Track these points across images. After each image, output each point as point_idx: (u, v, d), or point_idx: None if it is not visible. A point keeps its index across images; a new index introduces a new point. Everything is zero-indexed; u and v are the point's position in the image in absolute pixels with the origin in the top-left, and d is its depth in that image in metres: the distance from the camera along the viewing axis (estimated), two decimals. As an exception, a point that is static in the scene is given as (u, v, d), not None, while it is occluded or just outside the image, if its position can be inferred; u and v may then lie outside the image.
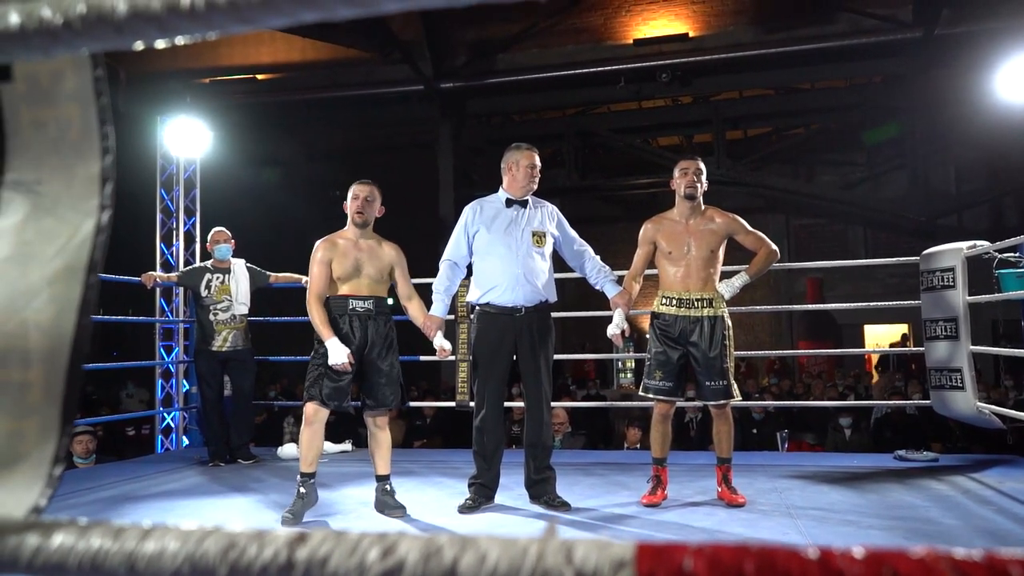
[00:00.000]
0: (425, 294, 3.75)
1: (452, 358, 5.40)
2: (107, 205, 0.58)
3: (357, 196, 3.57)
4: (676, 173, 3.64)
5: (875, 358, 13.09)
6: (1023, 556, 0.35)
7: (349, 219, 3.60)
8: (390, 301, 3.71)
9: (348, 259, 3.51)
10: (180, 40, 0.39)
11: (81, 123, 0.57)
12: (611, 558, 0.35)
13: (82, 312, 0.58)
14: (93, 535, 0.38)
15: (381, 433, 3.61)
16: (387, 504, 3.53)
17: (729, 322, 3.62)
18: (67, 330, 0.57)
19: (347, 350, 3.38)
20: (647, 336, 3.71)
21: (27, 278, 0.58)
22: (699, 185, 3.59)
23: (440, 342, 3.59)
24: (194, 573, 0.35)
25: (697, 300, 3.55)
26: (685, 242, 3.58)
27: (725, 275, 3.72)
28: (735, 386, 3.58)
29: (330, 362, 3.37)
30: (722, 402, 3.56)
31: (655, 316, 3.64)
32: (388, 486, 3.58)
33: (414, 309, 3.66)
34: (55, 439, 0.57)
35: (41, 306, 0.58)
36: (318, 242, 3.57)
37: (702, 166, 3.64)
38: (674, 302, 3.58)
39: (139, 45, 0.39)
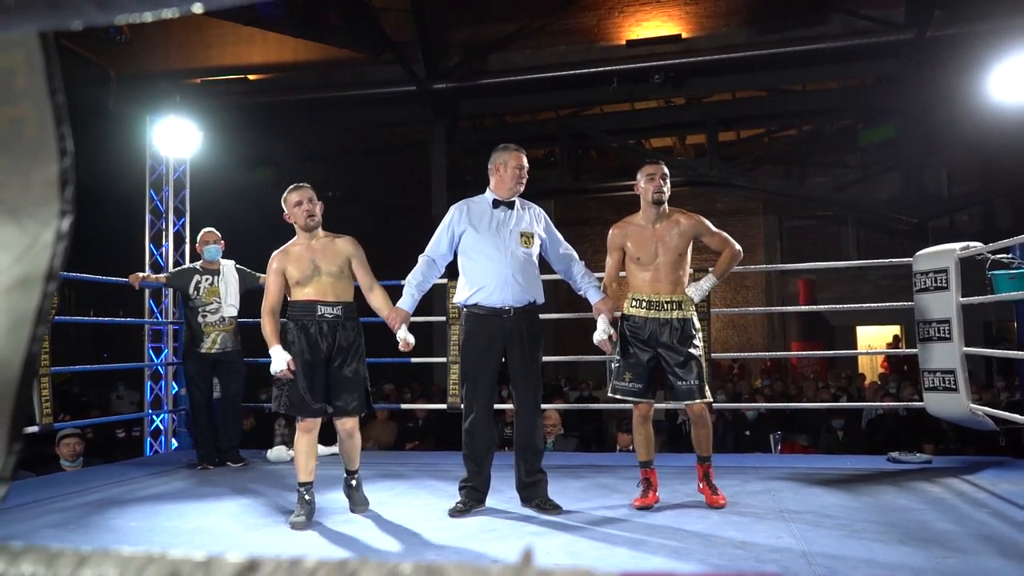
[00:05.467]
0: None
1: (443, 360, 5.39)
2: (67, 210, 0.55)
3: (301, 202, 3.54)
4: (642, 179, 3.62)
5: (876, 359, 13.09)
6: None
7: (300, 228, 3.57)
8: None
9: (303, 262, 3.50)
10: (121, 20, 0.36)
11: (36, 123, 0.53)
12: (591, 589, 0.32)
13: (37, 323, 0.54)
14: (25, 561, 0.35)
15: (349, 440, 3.62)
16: (353, 498, 3.61)
17: (698, 323, 3.62)
18: (21, 342, 0.54)
19: (288, 357, 3.40)
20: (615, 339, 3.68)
21: None
22: (665, 190, 3.59)
23: (403, 335, 3.53)
24: (133, 604, 0.32)
25: (667, 302, 3.54)
26: (653, 246, 3.57)
27: (693, 277, 3.72)
28: (707, 387, 3.57)
29: (271, 369, 3.42)
30: (697, 401, 3.53)
31: (624, 318, 3.64)
32: (355, 480, 3.64)
33: (377, 299, 3.64)
34: (1, 458, 0.53)
35: None
36: (273, 255, 3.57)
37: (666, 170, 3.65)
38: (644, 304, 3.57)
39: (77, 24, 0.36)
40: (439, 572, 0.33)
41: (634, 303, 3.60)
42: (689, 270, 3.67)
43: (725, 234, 3.69)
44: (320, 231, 3.60)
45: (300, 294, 3.51)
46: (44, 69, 0.49)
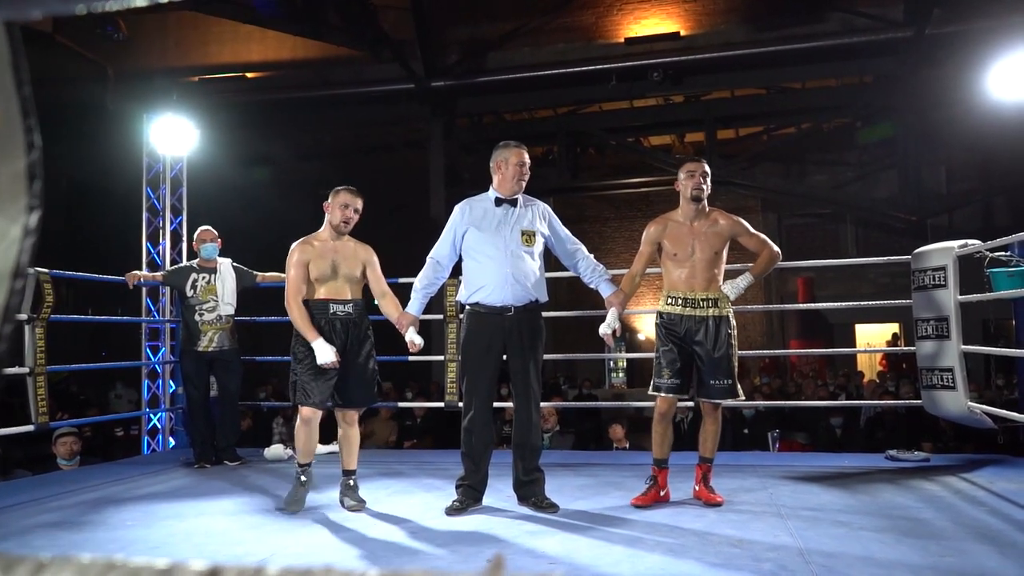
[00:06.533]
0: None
1: (442, 358, 5.39)
2: (35, 205, 0.54)
3: (347, 205, 3.65)
4: (682, 175, 3.62)
5: (875, 357, 13.10)
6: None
7: (329, 223, 3.69)
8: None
9: (325, 260, 3.62)
10: (81, 9, 0.34)
11: (2, 117, 0.52)
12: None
13: (4, 320, 0.53)
14: (-17, 567, 0.34)
15: (351, 430, 3.73)
16: (349, 498, 3.63)
17: (734, 322, 3.61)
18: None
19: (333, 348, 3.51)
20: (653, 336, 3.69)
21: None
22: (705, 187, 3.58)
23: (412, 336, 3.63)
24: (92, 611, 0.32)
25: (702, 300, 3.54)
26: (690, 244, 3.57)
27: (728, 275, 3.71)
28: (739, 386, 3.57)
29: (319, 362, 3.49)
30: (728, 401, 3.55)
31: (660, 315, 3.63)
32: (352, 481, 3.69)
33: (388, 305, 3.75)
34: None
35: None
36: (294, 244, 3.68)
37: (707, 168, 3.64)
38: (679, 302, 3.57)
39: (37, 14, 0.35)
40: (407, 579, 0.32)
41: (670, 300, 3.60)
42: (725, 268, 3.67)
43: (764, 236, 3.71)
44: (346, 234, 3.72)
45: (314, 292, 3.63)
46: (10, 61, 0.48)
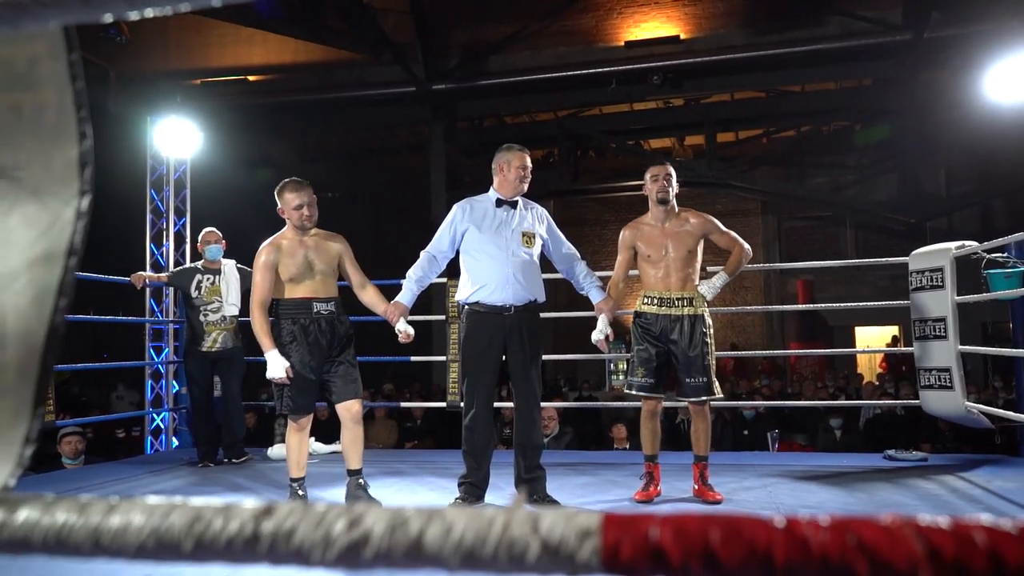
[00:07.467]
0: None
1: (443, 359, 5.43)
2: (87, 190, 0.58)
3: (300, 205, 3.50)
4: (647, 179, 3.71)
5: (874, 359, 13.13)
6: (987, 522, 0.35)
7: (292, 225, 3.55)
8: None
9: (296, 258, 3.49)
10: (149, 13, 0.39)
11: (57, 107, 0.57)
12: (578, 527, 0.35)
13: (60, 295, 0.58)
14: (59, 510, 0.38)
15: (357, 427, 3.60)
16: (360, 500, 3.55)
17: (709, 320, 3.67)
18: (45, 312, 0.58)
19: (286, 364, 3.39)
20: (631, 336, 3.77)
21: (7, 262, 0.59)
22: (671, 189, 3.65)
23: (402, 326, 3.56)
24: (159, 547, 0.35)
25: (678, 299, 3.60)
26: (662, 244, 3.64)
27: (704, 275, 3.77)
28: (716, 384, 3.62)
29: (268, 375, 3.40)
30: (703, 399, 3.59)
31: (637, 315, 3.71)
32: (361, 480, 3.60)
33: (370, 296, 3.67)
34: (27, 420, 0.57)
35: (20, 289, 0.58)
36: (262, 246, 3.53)
37: (671, 170, 3.72)
38: (655, 301, 3.64)
39: (108, 17, 0.39)
40: (440, 515, 0.36)
41: (646, 300, 3.67)
42: (699, 268, 3.73)
43: (734, 233, 3.78)
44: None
45: (293, 292, 3.50)
46: (66, 57, 0.52)
